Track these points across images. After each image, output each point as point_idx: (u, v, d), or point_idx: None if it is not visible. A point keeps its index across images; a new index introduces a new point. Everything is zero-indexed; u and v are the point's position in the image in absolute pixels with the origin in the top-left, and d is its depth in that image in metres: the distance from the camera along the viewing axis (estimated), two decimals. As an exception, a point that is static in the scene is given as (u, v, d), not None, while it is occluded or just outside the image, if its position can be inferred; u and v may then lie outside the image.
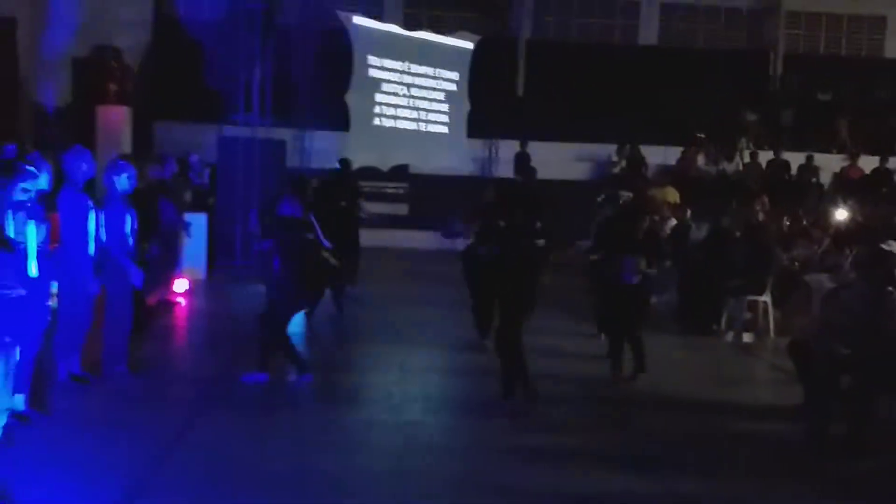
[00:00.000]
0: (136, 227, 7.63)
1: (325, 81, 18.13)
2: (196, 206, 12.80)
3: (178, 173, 12.03)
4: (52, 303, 6.26)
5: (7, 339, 4.88)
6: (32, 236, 5.87)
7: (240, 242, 13.75)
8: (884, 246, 7.07)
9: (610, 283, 8.60)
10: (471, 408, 7.44)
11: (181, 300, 11.20)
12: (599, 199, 10.80)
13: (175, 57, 18.63)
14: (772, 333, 10.69)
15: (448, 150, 20.10)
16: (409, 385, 8.07)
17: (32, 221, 5.87)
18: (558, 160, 19.75)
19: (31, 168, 5.79)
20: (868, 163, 19.74)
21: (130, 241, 7.51)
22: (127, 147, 13.04)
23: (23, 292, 5.00)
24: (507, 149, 20.05)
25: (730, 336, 10.66)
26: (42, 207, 6.19)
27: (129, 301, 7.61)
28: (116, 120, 13.56)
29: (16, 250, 5.13)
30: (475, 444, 6.56)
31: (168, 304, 10.80)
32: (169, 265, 10.91)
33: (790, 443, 6.95)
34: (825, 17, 23.19)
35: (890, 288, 6.79)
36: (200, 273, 12.74)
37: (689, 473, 6.14)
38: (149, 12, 20.32)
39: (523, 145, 19.70)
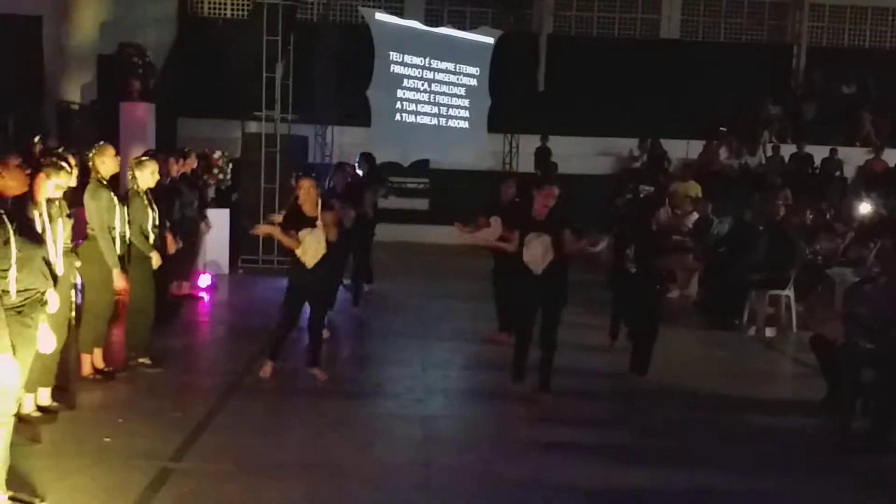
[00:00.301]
0: (158, 221, 7.73)
1: (347, 77, 18.19)
2: (219, 202, 12.94)
3: (201, 168, 12.13)
4: (76, 297, 6.34)
5: (31, 333, 4.95)
6: (59, 232, 5.95)
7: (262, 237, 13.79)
8: (907, 239, 7.03)
9: (625, 277, 8.62)
10: (491, 401, 7.47)
11: (204, 295, 11.30)
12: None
13: (199, 53, 18.81)
14: (794, 328, 10.66)
15: (469, 144, 20.10)
16: (429, 378, 8.11)
17: (60, 217, 5.96)
18: (579, 154, 19.74)
19: (63, 164, 5.85)
20: (892, 156, 19.59)
21: (153, 235, 7.60)
22: (151, 143, 13.14)
23: (48, 287, 5.05)
24: (528, 143, 20.04)
25: (752, 330, 10.61)
26: (68, 202, 6.27)
27: (152, 294, 7.70)
28: (140, 116, 13.67)
29: (43, 245, 5.18)
30: (495, 437, 6.58)
31: (191, 299, 10.91)
32: (190, 259, 11.01)
33: (813, 437, 6.94)
34: (849, 10, 23.00)
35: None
36: (223, 268, 12.85)
37: (711, 468, 6.13)
38: (173, 10, 20.51)
39: (544, 140, 19.69)
